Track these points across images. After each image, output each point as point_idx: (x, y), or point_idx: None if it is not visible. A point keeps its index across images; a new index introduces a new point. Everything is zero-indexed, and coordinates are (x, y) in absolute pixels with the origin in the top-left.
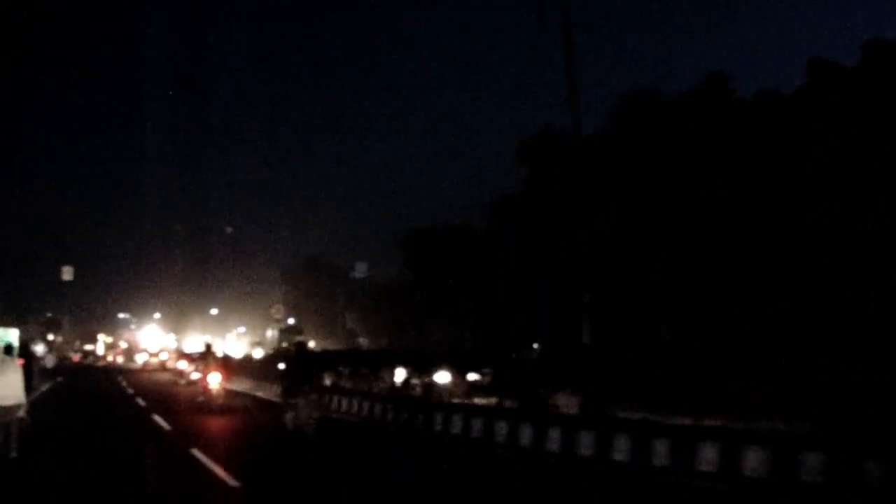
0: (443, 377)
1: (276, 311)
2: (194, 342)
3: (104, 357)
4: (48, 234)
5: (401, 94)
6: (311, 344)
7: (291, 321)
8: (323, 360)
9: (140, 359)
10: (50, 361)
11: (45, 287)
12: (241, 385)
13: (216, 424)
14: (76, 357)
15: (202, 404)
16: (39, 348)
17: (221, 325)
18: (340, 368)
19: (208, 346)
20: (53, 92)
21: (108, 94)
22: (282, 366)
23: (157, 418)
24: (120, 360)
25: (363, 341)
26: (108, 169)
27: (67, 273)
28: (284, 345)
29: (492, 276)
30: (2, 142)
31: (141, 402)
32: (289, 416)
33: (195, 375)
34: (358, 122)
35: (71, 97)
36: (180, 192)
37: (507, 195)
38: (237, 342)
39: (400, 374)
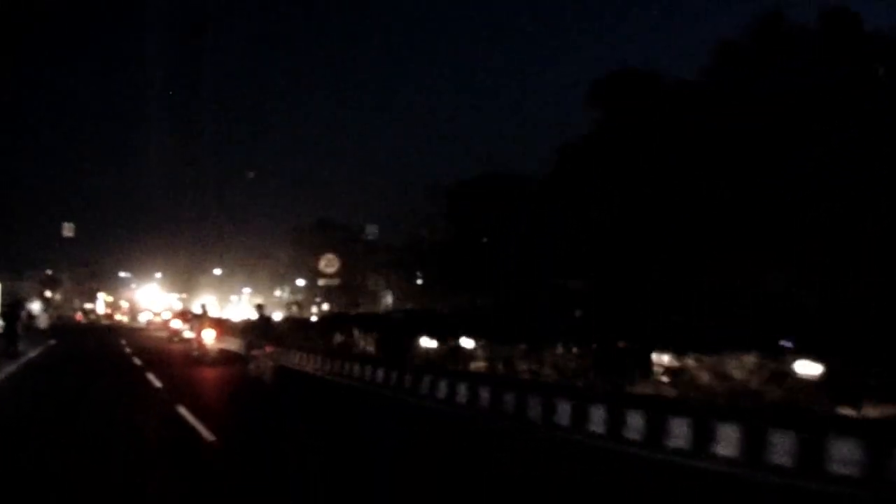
0: (467, 342)
1: (327, 262)
2: (198, 302)
3: (109, 316)
4: (49, 190)
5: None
6: (325, 307)
7: (301, 282)
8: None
9: (143, 318)
10: (44, 321)
11: (45, 244)
12: (234, 344)
13: (205, 375)
14: (79, 316)
15: (196, 359)
16: (35, 306)
17: (226, 285)
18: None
19: (203, 307)
20: (54, 45)
21: (110, 43)
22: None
23: (151, 376)
24: (125, 319)
25: (389, 303)
26: (111, 125)
27: (68, 230)
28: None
29: (542, 233)
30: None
31: (137, 360)
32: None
33: (188, 334)
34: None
35: (72, 48)
36: (184, 150)
37: (570, 143)
38: (245, 303)
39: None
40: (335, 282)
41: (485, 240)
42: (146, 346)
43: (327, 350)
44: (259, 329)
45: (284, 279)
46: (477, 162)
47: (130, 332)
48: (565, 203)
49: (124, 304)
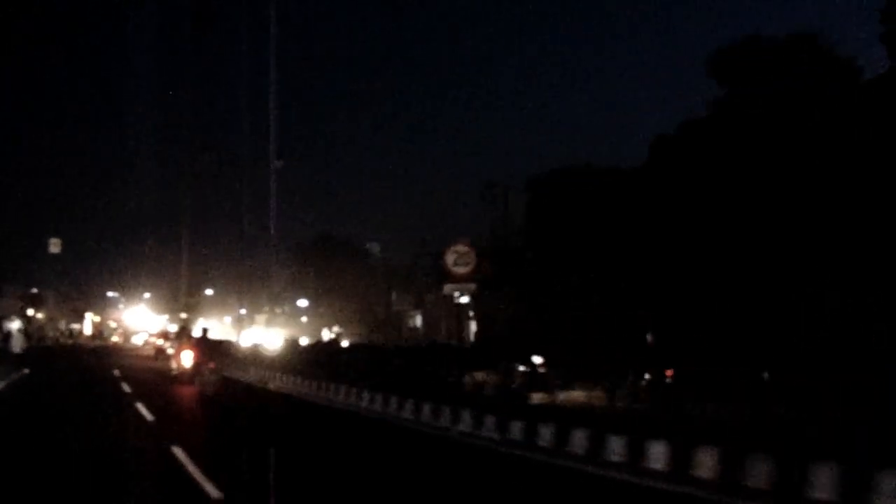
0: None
1: (459, 257)
2: (199, 324)
3: (97, 336)
4: (35, 205)
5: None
6: (335, 329)
7: (302, 302)
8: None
9: (139, 339)
10: (18, 344)
11: (29, 260)
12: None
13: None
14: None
15: (174, 377)
16: (15, 325)
17: (218, 306)
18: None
19: (183, 327)
20: (42, 51)
21: (98, 58)
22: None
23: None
24: (118, 340)
25: (418, 326)
26: (101, 142)
27: (55, 246)
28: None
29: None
30: None
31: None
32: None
33: (170, 351)
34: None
35: (59, 62)
36: (174, 168)
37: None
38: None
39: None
40: (470, 288)
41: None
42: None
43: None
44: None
45: (282, 299)
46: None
47: (125, 359)
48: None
49: (112, 325)
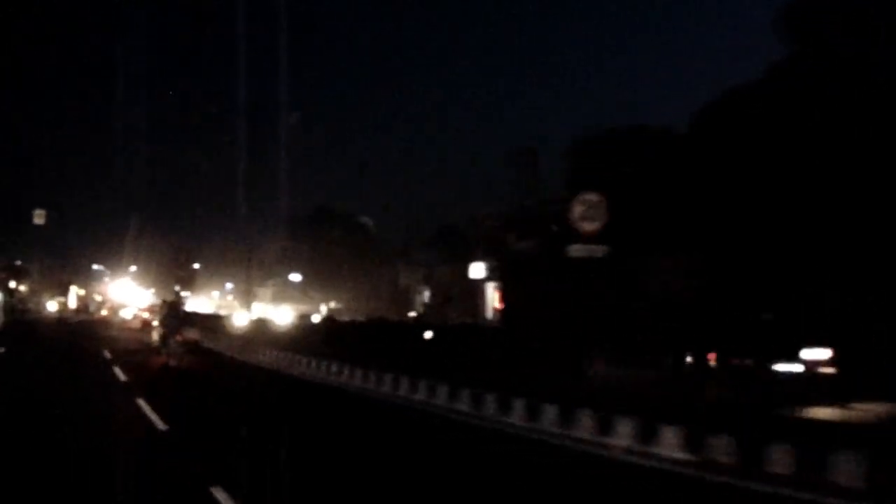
0: None
1: (588, 208)
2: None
3: (82, 310)
4: (19, 174)
5: None
6: (329, 306)
7: (295, 277)
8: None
9: (127, 313)
10: None
11: (13, 231)
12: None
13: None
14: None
15: (153, 348)
16: None
17: (204, 279)
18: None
19: (164, 301)
20: (20, 22)
21: (83, 22)
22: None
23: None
24: (105, 313)
25: (426, 301)
26: (88, 111)
27: (39, 217)
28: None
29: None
30: None
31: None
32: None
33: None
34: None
35: (41, 27)
36: (162, 135)
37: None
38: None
39: None
40: (598, 251)
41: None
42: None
43: None
44: (171, 323)
45: (273, 273)
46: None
47: (114, 336)
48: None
49: (97, 298)
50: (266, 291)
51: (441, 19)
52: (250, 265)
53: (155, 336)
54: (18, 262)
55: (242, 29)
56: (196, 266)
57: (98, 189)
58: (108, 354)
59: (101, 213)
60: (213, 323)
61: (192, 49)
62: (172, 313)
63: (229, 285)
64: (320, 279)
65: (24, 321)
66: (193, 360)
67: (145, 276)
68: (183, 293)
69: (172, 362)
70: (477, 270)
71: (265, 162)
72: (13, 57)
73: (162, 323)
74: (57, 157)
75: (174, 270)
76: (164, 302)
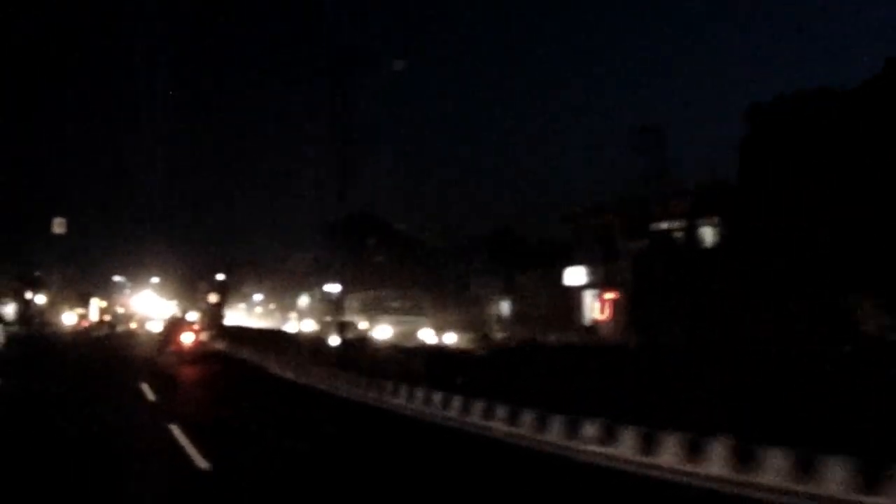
0: None
1: None
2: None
3: (102, 323)
4: (39, 182)
5: None
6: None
7: (332, 288)
8: None
9: (154, 326)
10: None
11: (31, 240)
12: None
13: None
14: (86, 322)
15: (173, 353)
16: (9, 309)
17: (232, 291)
18: None
19: (184, 314)
20: (51, 33)
21: (108, 31)
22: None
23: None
24: (133, 326)
25: (504, 314)
26: (109, 117)
27: (59, 226)
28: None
29: None
30: None
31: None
32: (160, 358)
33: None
34: None
35: (70, 35)
36: (183, 144)
37: None
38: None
39: None
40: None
41: None
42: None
43: None
44: (168, 334)
45: (305, 285)
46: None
47: (148, 356)
48: None
49: (120, 310)
50: (352, 303)
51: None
52: (343, 272)
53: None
54: (38, 273)
55: (274, 28)
56: (221, 277)
57: (119, 198)
58: (148, 392)
59: (123, 223)
60: (275, 340)
61: (218, 54)
62: (172, 326)
63: (258, 296)
64: (357, 290)
65: (40, 336)
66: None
67: (167, 288)
68: (211, 302)
69: (161, 364)
70: (575, 276)
71: (294, 169)
72: (33, 63)
73: (161, 335)
74: (77, 164)
75: (198, 282)
76: (171, 318)
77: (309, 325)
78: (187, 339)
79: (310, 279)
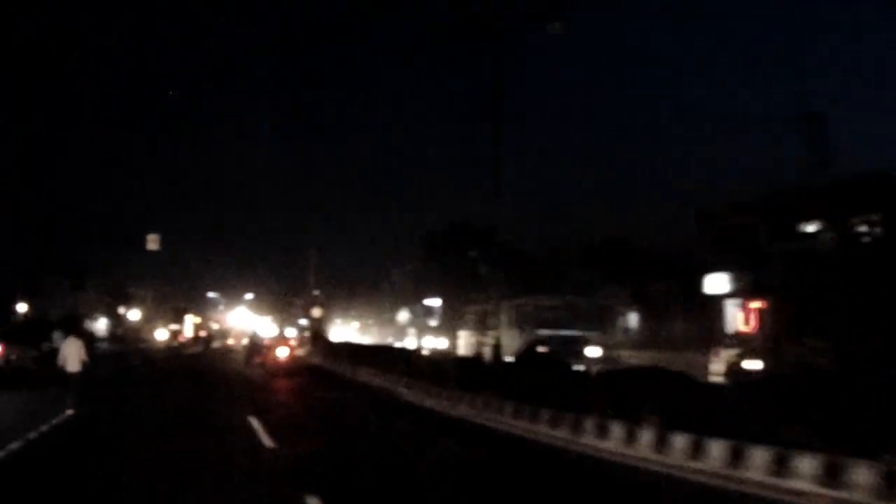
0: None
1: None
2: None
3: (197, 339)
4: (133, 198)
5: None
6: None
7: (433, 302)
8: None
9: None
10: (73, 357)
11: (125, 256)
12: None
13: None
14: (182, 338)
15: (270, 365)
16: (100, 325)
17: (327, 308)
18: None
19: (281, 331)
20: (151, 45)
21: (205, 49)
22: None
23: None
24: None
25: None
26: (205, 137)
27: (153, 242)
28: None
29: None
30: (92, 96)
31: None
32: (247, 370)
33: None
34: None
35: (164, 51)
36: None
37: None
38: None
39: None
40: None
41: None
42: None
43: None
44: (252, 350)
45: (400, 300)
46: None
47: (256, 382)
48: None
49: (214, 326)
50: (509, 313)
51: None
52: (493, 286)
53: (271, 357)
54: (131, 289)
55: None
56: (317, 293)
57: (213, 214)
58: (261, 432)
59: (218, 240)
60: (404, 360)
61: (316, 65)
62: (253, 342)
63: (355, 311)
64: (456, 305)
65: (132, 352)
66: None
67: (262, 304)
68: (314, 317)
69: (248, 373)
70: (716, 284)
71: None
72: (129, 78)
73: (246, 348)
74: (171, 181)
75: (293, 298)
76: (253, 333)
77: (434, 342)
78: (282, 353)
79: (407, 293)
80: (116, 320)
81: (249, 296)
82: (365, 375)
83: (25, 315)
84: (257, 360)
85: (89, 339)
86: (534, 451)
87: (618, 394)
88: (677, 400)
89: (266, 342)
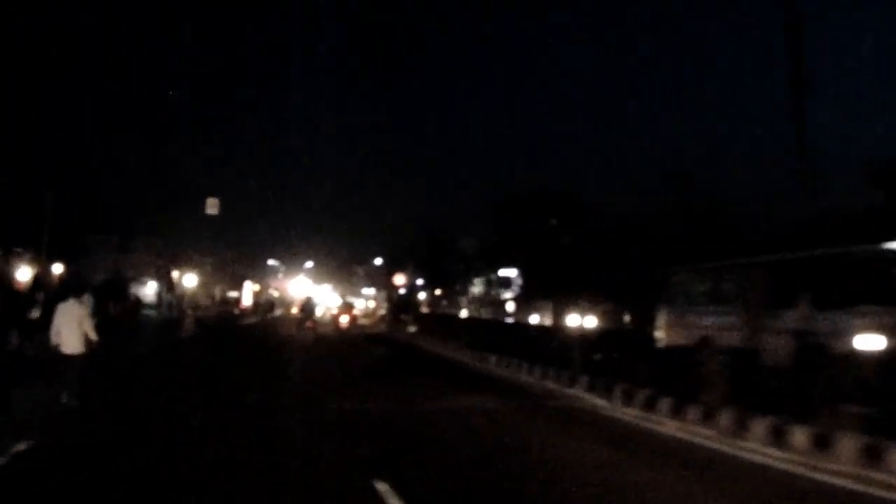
0: None
1: None
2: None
3: (245, 310)
4: (194, 163)
5: None
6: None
7: (509, 272)
8: None
9: (318, 312)
10: (70, 337)
11: (184, 221)
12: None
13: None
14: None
15: (334, 330)
16: (150, 289)
17: (388, 277)
18: None
19: (345, 301)
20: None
21: (260, 21)
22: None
23: None
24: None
25: None
26: (270, 106)
27: (212, 206)
28: None
29: None
30: (156, 63)
31: None
32: (299, 332)
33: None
34: None
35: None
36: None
37: None
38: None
39: None
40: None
41: None
42: None
43: None
44: (304, 314)
45: (474, 269)
46: None
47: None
48: None
49: (274, 293)
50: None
51: None
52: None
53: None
54: (188, 253)
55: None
56: (378, 261)
57: (276, 180)
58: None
59: (278, 207)
60: None
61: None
62: (305, 308)
63: (420, 281)
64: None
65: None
66: None
67: (322, 272)
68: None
69: (300, 335)
70: None
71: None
72: (190, 48)
73: (298, 314)
74: (233, 145)
75: (355, 267)
76: (307, 299)
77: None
78: (343, 320)
79: (477, 263)
80: (168, 285)
81: (309, 264)
82: (506, 369)
83: (60, 276)
84: (309, 325)
85: (133, 305)
86: None
87: None
88: None
89: (331, 311)
